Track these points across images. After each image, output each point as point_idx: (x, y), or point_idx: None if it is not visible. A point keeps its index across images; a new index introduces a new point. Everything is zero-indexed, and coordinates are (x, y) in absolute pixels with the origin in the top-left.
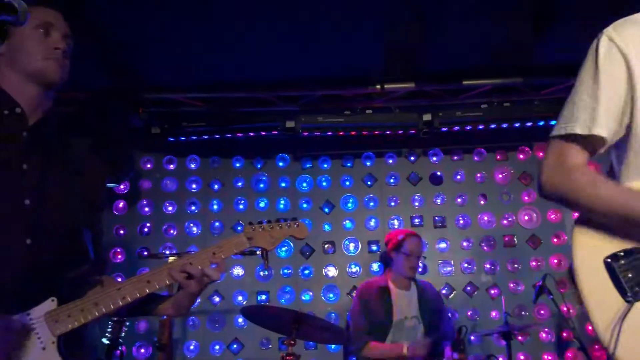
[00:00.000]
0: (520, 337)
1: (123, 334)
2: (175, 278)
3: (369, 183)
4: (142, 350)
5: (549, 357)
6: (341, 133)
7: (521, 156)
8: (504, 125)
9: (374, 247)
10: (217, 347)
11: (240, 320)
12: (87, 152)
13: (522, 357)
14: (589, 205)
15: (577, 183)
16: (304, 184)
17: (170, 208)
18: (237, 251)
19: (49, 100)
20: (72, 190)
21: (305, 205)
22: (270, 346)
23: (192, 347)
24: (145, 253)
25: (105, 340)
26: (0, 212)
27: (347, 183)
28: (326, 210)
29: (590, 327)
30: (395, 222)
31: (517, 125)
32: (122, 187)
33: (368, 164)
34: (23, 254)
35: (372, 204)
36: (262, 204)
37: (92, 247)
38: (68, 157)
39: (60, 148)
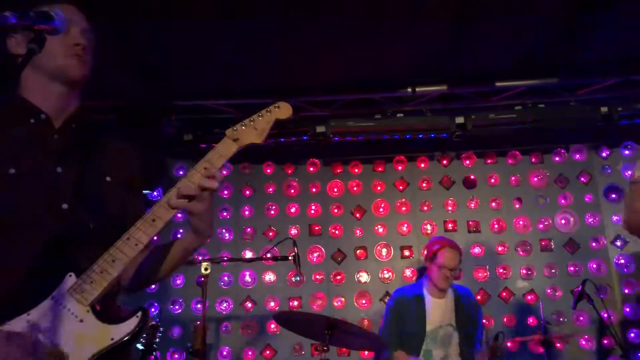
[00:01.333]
0: (558, 345)
1: (157, 340)
2: (177, 205)
3: (400, 187)
4: (176, 356)
5: None
6: (372, 137)
7: (557, 158)
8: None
9: (407, 252)
10: (250, 352)
11: (272, 326)
12: (118, 141)
13: None
14: None
15: None
16: (335, 189)
17: None
18: (229, 156)
19: (75, 100)
20: (108, 182)
21: (336, 211)
22: (303, 352)
23: (225, 353)
24: None
25: (139, 346)
26: (39, 220)
27: (379, 188)
28: (357, 215)
29: (632, 335)
30: (428, 226)
31: None
32: (155, 193)
33: (400, 168)
34: (59, 259)
35: (404, 208)
36: (292, 210)
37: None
38: (101, 154)
39: (93, 147)
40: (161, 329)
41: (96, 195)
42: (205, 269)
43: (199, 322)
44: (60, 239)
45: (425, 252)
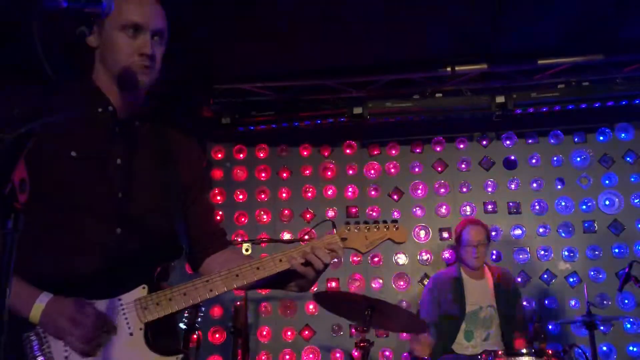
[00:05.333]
0: (602, 327)
1: (199, 319)
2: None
3: (439, 169)
4: (217, 336)
5: (635, 349)
6: (410, 118)
7: (601, 138)
8: (583, 106)
9: (445, 234)
10: (289, 333)
11: (311, 306)
12: (182, 139)
13: (605, 348)
14: None
15: None
16: (372, 171)
17: (241, 196)
18: (330, 250)
19: (140, 95)
20: (166, 180)
21: (373, 193)
22: (342, 333)
23: (264, 333)
24: None
25: (182, 325)
26: (94, 204)
27: (417, 169)
28: (395, 197)
29: None
30: (468, 208)
31: (597, 105)
32: None
33: (438, 149)
34: (113, 243)
35: (442, 190)
36: (330, 192)
37: (199, 229)
38: (162, 147)
39: (154, 139)
40: (202, 308)
41: (151, 186)
42: (247, 250)
43: (239, 303)
44: (113, 222)
45: (455, 237)
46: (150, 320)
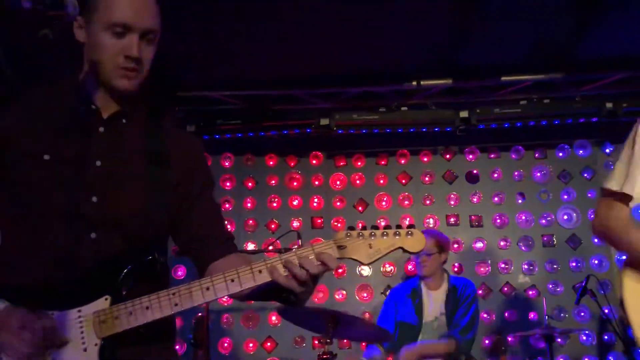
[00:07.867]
0: (559, 339)
1: None
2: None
3: (403, 181)
4: (177, 347)
5: None
6: (376, 130)
7: (561, 154)
8: (543, 122)
9: None
10: (250, 344)
11: (274, 318)
12: (177, 135)
13: None
14: (624, 248)
15: (614, 230)
16: (338, 182)
17: None
18: (328, 263)
19: (131, 93)
20: (154, 181)
21: (338, 204)
22: (304, 345)
23: (226, 345)
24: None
25: None
26: (65, 208)
27: (382, 181)
28: (360, 208)
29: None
30: (431, 220)
31: (556, 122)
32: None
33: (403, 162)
34: (86, 249)
35: (406, 202)
36: (295, 202)
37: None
38: (153, 146)
39: (144, 138)
40: None
41: (131, 195)
42: None
43: (200, 314)
44: (86, 227)
45: None
46: (106, 335)
